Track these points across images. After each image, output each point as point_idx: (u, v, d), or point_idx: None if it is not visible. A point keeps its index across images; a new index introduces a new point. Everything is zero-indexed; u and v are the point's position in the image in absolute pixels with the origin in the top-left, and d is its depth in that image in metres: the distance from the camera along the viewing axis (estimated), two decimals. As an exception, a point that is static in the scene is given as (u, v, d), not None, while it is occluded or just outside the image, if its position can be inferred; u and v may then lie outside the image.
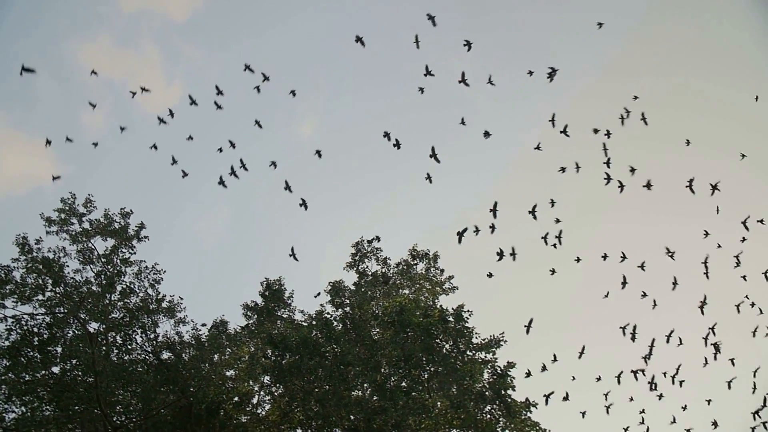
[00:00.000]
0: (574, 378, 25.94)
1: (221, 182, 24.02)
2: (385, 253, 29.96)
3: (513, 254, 23.66)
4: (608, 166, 23.45)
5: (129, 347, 24.34)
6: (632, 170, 23.51)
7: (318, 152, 23.28)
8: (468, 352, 26.11)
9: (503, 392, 25.10)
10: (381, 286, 28.60)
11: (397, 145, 22.80)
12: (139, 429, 23.10)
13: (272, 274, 27.46)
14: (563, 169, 23.89)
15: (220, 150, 25.40)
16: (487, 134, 22.57)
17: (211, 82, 24.34)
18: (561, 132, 22.67)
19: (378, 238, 29.26)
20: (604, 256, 24.87)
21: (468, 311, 26.59)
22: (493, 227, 23.66)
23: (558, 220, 23.74)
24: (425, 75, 22.44)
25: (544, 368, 25.59)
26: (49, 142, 24.93)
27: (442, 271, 30.92)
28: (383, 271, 29.47)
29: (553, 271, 23.98)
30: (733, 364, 24.75)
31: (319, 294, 26.03)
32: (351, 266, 29.19)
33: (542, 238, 24.24)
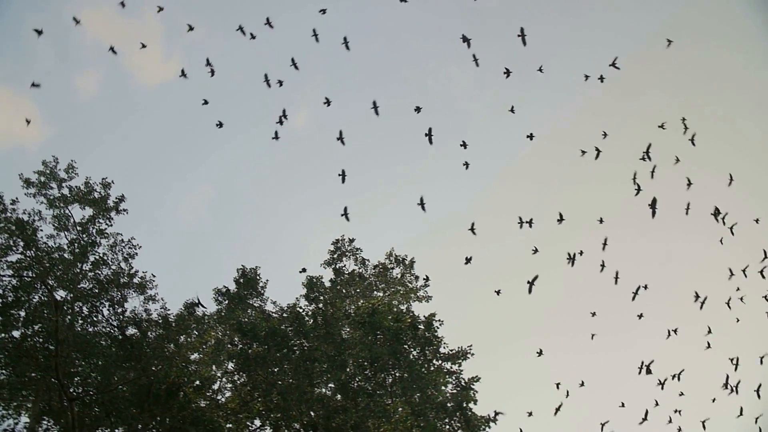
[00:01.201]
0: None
1: (276, 136, 23.02)
2: (364, 254, 30.02)
3: (530, 222, 22.92)
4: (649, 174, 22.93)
5: (95, 319, 23.97)
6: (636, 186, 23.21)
7: (341, 138, 22.42)
8: (435, 361, 26.22)
9: (465, 405, 25.27)
10: (357, 286, 28.62)
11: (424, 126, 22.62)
12: (95, 403, 22.74)
13: (250, 262, 27.29)
14: (583, 152, 23.34)
15: (220, 125, 24.82)
16: (464, 145, 22.61)
17: (209, 61, 23.82)
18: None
19: (352, 240, 29.27)
20: (604, 264, 24.34)
21: (439, 320, 26.70)
22: (468, 259, 23.50)
23: (529, 222, 23.12)
24: (416, 111, 22.64)
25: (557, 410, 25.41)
26: (35, 85, 23.98)
27: (417, 278, 31.07)
28: (360, 271, 29.51)
29: (530, 286, 23.67)
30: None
31: (304, 269, 25.36)
32: (329, 264, 29.16)
33: (533, 251, 24.19)
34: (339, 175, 22.13)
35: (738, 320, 25.66)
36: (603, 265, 24.10)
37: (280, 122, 23.05)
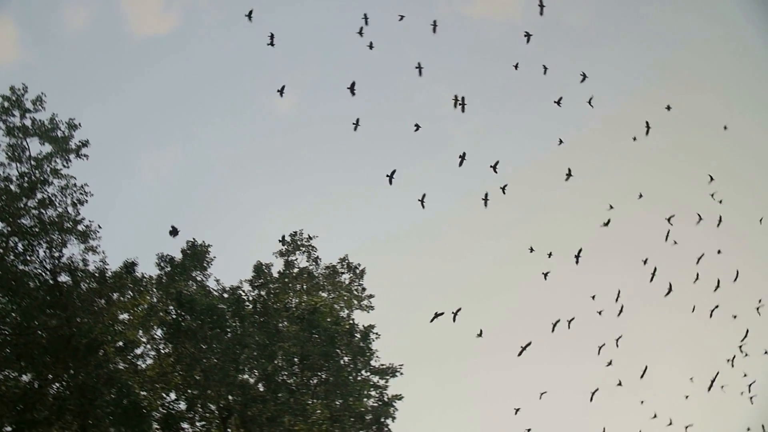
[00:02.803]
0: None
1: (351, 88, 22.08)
2: (318, 253, 29.93)
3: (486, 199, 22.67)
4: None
5: (28, 258, 23.06)
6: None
7: (356, 124, 21.76)
8: (363, 372, 26.38)
9: (383, 420, 25.50)
10: (304, 282, 28.52)
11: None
12: (10, 344, 21.79)
13: (202, 236, 26.66)
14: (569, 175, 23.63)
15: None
16: (462, 158, 22.31)
17: (206, 26, 23.55)
18: (501, 188, 22.63)
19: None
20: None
21: (376, 333, 26.95)
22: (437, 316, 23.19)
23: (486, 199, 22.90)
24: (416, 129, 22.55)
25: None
26: None
27: (365, 289, 31.22)
28: (311, 269, 29.43)
29: (453, 317, 23.50)
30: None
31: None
32: (281, 254, 28.99)
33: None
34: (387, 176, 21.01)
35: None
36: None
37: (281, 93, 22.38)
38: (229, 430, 22.40)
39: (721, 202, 25.31)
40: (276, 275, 28.29)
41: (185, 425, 22.78)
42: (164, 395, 22.76)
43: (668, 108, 24.43)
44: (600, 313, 25.18)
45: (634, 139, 24.61)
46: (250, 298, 24.94)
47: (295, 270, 28.89)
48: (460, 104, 21.37)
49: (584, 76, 23.15)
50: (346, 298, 30.18)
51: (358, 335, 25.97)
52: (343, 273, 30.62)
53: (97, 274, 23.62)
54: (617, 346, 25.25)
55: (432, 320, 21.20)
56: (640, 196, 25.05)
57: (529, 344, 23.28)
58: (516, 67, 22.79)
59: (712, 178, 25.34)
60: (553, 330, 24.67)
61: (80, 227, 24.23)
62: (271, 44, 21.84)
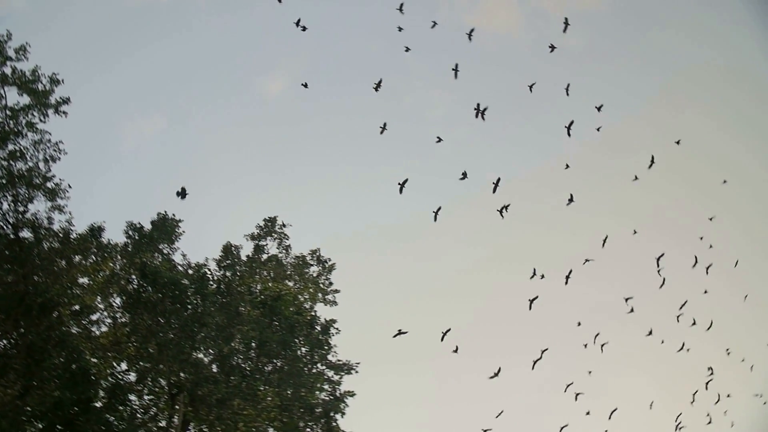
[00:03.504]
0: None
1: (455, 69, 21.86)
2: (290, 242, 29.88)
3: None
4: None
5: (-9, 209, 22.42)
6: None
7: (383, 129, 21.93)
8: (319, 365, 26.45)
9: (332, 414, 25.59)
10: (272, 269, 28.42)
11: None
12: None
13: (174, 209, 26.28)
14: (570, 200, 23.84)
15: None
16: (464, 176, 22.56)
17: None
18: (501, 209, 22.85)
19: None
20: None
21: (337, 329, 27.05)
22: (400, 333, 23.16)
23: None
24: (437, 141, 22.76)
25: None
26: None
27: (332, 283, 31.27)
28: (281, 256, 29.35)
29: (442, 337, 23.48)
30: None
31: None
32: (253, 238, 28.84)
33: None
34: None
35: None
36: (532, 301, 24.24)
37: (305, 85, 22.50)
38: (177, 407, 22.16)
39: (711, 246, 26.17)
40: (244, 258, 28.17)
41: (133, 397, 22.48)
42: (115, 365, 22.40)
43: (677, 143, 25.04)
44: (585, 346, 25.85)
45: (635, 178, 25.07)
46: (215, 278, 24.75)
47: (264, 256, 28.81)
48: (480, 113, 21.86)
49: (567, 90, 23.57)
50: (311, 290, 30.19)
51: (319, 328, 26.04)
52: (312, 265, 30.64)
53: (61, 234, 23.08)
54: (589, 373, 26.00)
55: (395, 336, 21.53)
56: (635, 232, 25.87)
57: (498, 371, 23.76)
58: (531, 88, 23.11)
59: (711, 219, 26.08)
60: (536, 361, 24.89)
61: (49, 184, 23.64)
62: (303, 28, 21.90)
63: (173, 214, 25.96)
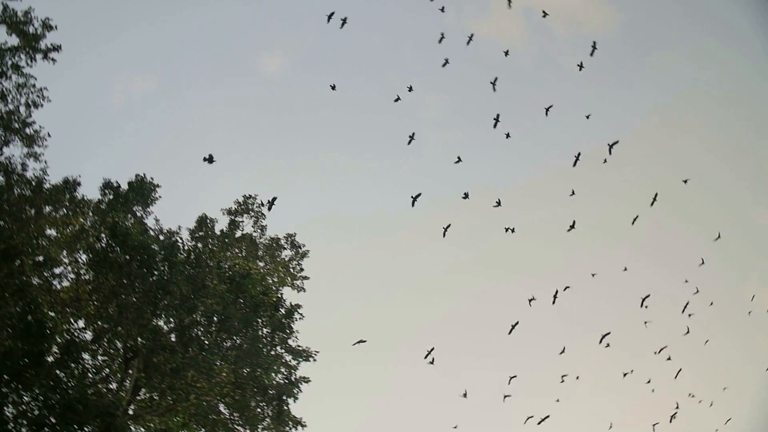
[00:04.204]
0: None
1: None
2: (267, 222, 29.78)
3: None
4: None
5: (-39, 147, 21.85)
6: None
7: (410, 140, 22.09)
8: (279, 348, 26.46)
9: (285, 398, 25.66)
10: (245, 247, 28.31)
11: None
12: None
13: (153, 173, 25.94)
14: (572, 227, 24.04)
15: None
16: (466, 196, 23.03)
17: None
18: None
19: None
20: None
21: (301, 314, 27.09)
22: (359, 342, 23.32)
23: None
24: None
25: None
26: None
27: (303, 269, 31.29)
28: (255, 236, 29.23)
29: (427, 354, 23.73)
30: None
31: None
32: (230, 213, 28.67)
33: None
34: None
35: None
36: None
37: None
38: (130, 371, 21.97)
39: (697, 291, 26.95)
40: (218, 233, 28.00)
41: (86, 356, 22.19)
42: (72, 321, 22.06)
43: (685, 182, 25.57)
44: (563, 379, 26.33)
45: (634, 221, 25.57)
46: (186, 247, 24.55)
47: (239, 233, 28.68)
48: (497, 121, 22.42)
49: (548, 110, 24.18)
50: (281, 273, 30.18)
51: (283, 311, 26.04)
52: (285, 249, 30.61)
53: (33, 183, 22.62)
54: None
55: (354, 344, 21.89)
56: (625, 268, 26.47)
57: (464, 394, 24.18)
58: (546, 111, 23.67)
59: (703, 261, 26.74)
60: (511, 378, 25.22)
61: (28, 130, 23.15)
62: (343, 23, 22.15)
63: (152, 178, 25.67)
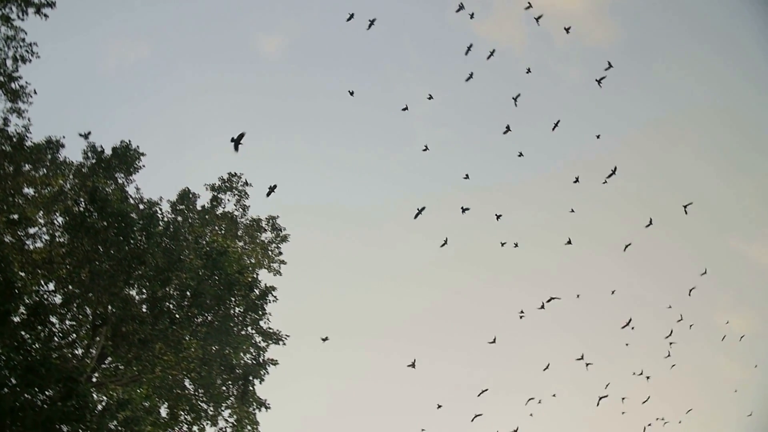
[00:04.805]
0: None
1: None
2: (250, 202, 29.61)
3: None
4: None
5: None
6: None
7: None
8: (250, 328, 26.42)
9: (251, 378, 25.67)
10: (224, 225, 28.13)
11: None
12: None
13: (139, 141, 25.57)
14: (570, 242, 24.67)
15: None
16: (464, 210, 23.49)
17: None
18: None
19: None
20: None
21: (275, 296, 27.07)
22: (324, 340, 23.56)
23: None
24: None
25: None
26: None
27: (281, 253, 31.22)
28: (236, 215, 29.06)
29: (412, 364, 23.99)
30: None
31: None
32: (213, 189, 28.44)
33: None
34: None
35: None
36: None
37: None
38: (97, 338, 21.77)
39: (681, 319, 27.49)
40: (199, 208, 27.77)
41: (54, 320, 21.91)
42: (43, 283, 21.77)
43: (685, 208, 26.06)
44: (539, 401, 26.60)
45: (626, 247, 26.02)
46: (165, 219, 24.34)
47: (220, 210, 28.49)
48: (508, 131, 22.71)
49: (507, 129, 24.70)
50: (259, 255, 30.07)
51: (257, 292, 26.01)
52: (265, 231, 30.48)
53: (14, 139, 22.20)
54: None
55: (324, 339, 22.11)
56: (613, 292, 26.96)
57: (439, 406, 24.43)
58: (554, 126, 24.15)
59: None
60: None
61: (13, 85, 22.67)
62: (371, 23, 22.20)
63: (137, 146, 25.35)
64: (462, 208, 23.09)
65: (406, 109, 23.22)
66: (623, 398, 28.86)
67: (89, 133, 21.91)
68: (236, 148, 19.63)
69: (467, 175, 23.57)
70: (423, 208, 21.80)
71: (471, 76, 23.83)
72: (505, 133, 23.46)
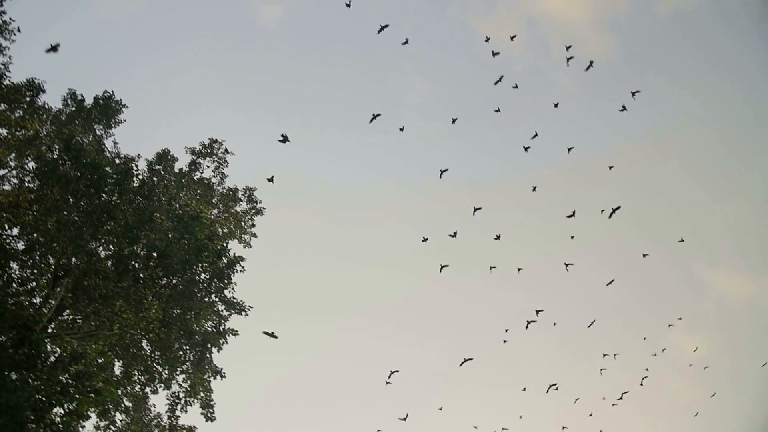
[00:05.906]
0: None
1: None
2: (228, 171, 29.36)
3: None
4: None
5: None
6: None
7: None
8: (214, 296, 26.33)
9: (209, 345, 25.67)
10: (200, 191, 27.86)
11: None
12: None
13: (122, 95, 25.11)
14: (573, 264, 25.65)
15: None
16: (476, 210, 23.96)
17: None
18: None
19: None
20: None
21: (243, 267, 27.00)
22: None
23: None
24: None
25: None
26: None
27: (255, 225, 31.09)
28: (213, 182, 28.80)
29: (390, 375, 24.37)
30: None
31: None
32: (192, 153, 28.10)
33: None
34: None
35: None
36: None
37: None
38: (58, 289, 21.47)
39: (663, 350, 28.29)
40: (177, 171, 27.44)
41: (14, 265, 21.53)
42: (7, 227, 21.32)
43: (681, 241, 26.81)
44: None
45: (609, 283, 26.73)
46: (141, 177, 24.00)
47: (198, 175, 28.19)
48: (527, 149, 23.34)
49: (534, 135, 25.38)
50: (232, 225, 29.90)
51: (225, 260, 25.92)
52: (241, 202, 30.29)
53: (-7, 78, 21.53)
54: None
55: (271, 335, 22.23)
56: (593, 321, 27.56)
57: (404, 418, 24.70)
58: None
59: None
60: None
61: (-4, 34, 21.89)
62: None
63: (120, 99, 24.86)
64: (474, 208, 24.01)
65: (402, 129, 23.61)
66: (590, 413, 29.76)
67: (58, 45, 21.17)
68: (285, 141, 20.19)
69: (442, 173, 24.09)
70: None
71: (500, 79, 24.78)
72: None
